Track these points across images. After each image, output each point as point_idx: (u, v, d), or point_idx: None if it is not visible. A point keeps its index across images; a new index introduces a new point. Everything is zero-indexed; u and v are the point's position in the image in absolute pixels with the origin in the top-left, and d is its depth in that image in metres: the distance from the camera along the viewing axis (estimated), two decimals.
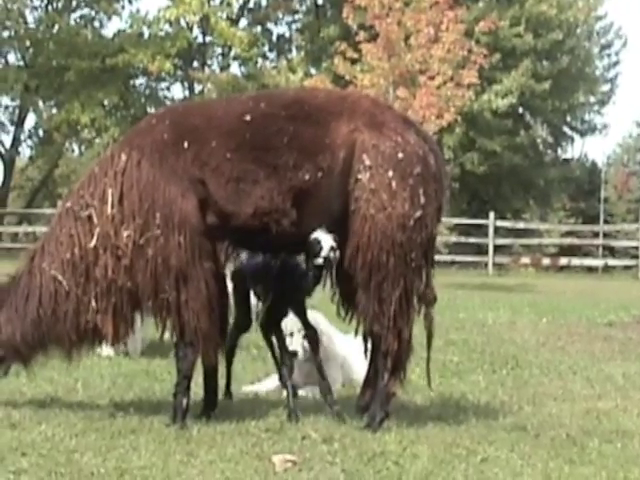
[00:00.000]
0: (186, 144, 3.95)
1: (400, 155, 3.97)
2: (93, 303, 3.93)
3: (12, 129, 25.50)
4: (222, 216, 3.93)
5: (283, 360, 4.19)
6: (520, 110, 25.47)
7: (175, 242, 3.86)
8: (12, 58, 24.90)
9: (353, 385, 4.76)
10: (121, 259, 3.90)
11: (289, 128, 3.94)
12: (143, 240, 3.88)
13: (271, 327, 4.24)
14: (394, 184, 3.93)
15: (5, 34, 24.19)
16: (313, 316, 4.68)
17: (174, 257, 3.86)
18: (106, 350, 5.51)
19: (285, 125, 3.95)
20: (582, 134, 28.21)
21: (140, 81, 26.05)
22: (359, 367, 4.72)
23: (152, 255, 3.87)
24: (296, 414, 4.01)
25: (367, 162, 3.93)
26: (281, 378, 4.21)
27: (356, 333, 4.19)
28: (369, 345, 4.15)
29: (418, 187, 3.97)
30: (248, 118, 3.98)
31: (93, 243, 3.93)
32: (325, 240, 3.90)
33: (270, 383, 4.78)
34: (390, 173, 3.93)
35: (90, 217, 3.96)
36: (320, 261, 3.92)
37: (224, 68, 26.52)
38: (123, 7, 25.20)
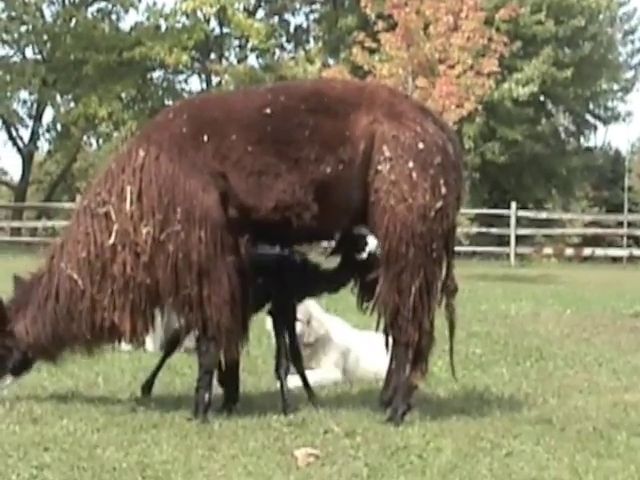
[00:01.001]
0: (206, 137, 3.92)
1: (420, 145, 3.93)
2: (110, 301, 3.92)
3: (30, 123, 25.67)
4: (243, 210, 3.91)
5: (279, 351, 4.09)
6: (542, 98, 25.15)
7: (196, 237, 3.83)
8: (30, 52, 25.09)
9: (376, 379, 4.71)
10: (140, 256, 3.87)
11: (309, 121, 3.91)
12: (163, 236, 3.86)
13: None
14: (415, 175, 3.89)
15: (23, 29, 24.34)
16: (306, 303, 4.61)
17: (195, 252, 3.84)
18: (125, 345, 5.49)
19: (305, 118, 3.92)
20: (605, 122, 27.77)
21: (157, 74, 26.15)
22: (372, 361, 4.67)
23: (173, 251, 3.85)
24: (286, 405, 3.94)
25: (387, 153, 3.89)
26: (277, 369, 4.10)
27: (377, 326, 4.16)
28: (390, 339, 4.11)
29: (439, 177, 3.93)
30: (268, 111, 3.95)
31: (111, 241, 3.91)
32: (371, 236, 3.90)
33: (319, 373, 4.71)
34: (410, 164, 3.89)
35: (108, 214, 3.94)
36: (364, 256, 3.88)
37: (241, 60, 26.50)
38: (140, 0, 25.26)
